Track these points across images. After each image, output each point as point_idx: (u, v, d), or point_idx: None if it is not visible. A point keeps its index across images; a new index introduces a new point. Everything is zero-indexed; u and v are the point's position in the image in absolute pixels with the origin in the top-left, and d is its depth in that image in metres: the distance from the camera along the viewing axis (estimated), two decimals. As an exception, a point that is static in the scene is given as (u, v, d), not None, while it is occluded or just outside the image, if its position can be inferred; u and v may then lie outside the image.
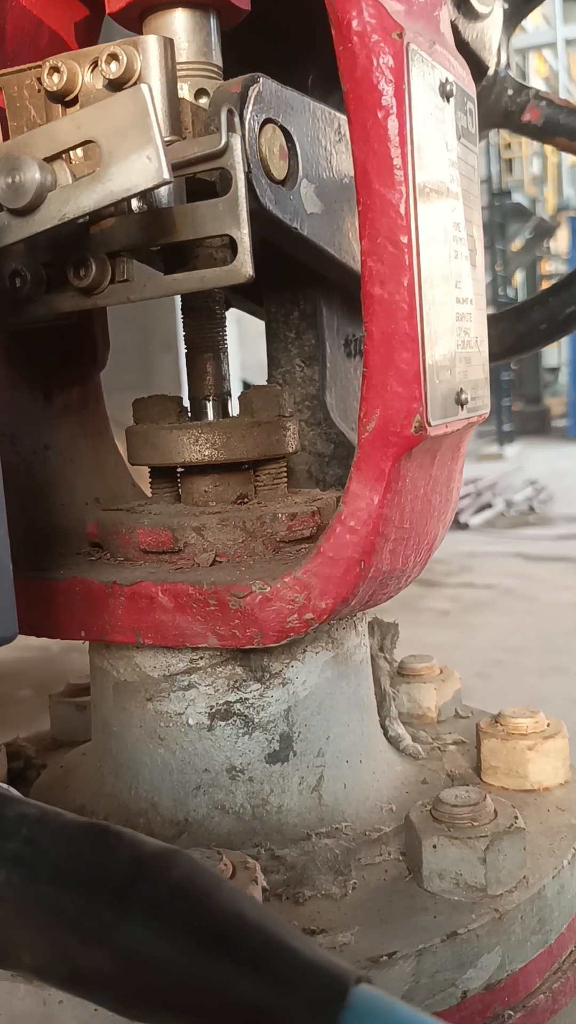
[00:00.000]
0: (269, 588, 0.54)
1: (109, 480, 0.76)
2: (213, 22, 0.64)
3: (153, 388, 0.78)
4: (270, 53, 0.74)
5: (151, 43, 0.55)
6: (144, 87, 0.46)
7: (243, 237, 0.53)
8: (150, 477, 0.68)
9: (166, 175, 0.46)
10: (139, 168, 0.46)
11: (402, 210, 0.52)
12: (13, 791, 0.41)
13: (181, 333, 0.69)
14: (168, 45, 0.56)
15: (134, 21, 0.64)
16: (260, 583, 0.54)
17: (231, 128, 0.54)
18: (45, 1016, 0.49)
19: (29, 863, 0.36)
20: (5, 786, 0.42)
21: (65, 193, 0.48)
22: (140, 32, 0.64)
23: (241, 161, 0.52)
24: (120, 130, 0.47)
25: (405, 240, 0.52)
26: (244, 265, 0.54)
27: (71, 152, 0.52)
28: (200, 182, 0.58)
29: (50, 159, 0.49)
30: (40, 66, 0.61)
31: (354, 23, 0.52)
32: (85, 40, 0.72)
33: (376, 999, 0.31)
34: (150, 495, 0.77)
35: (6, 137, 0.63)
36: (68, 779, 0.69)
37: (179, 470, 0.67)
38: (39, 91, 0.61)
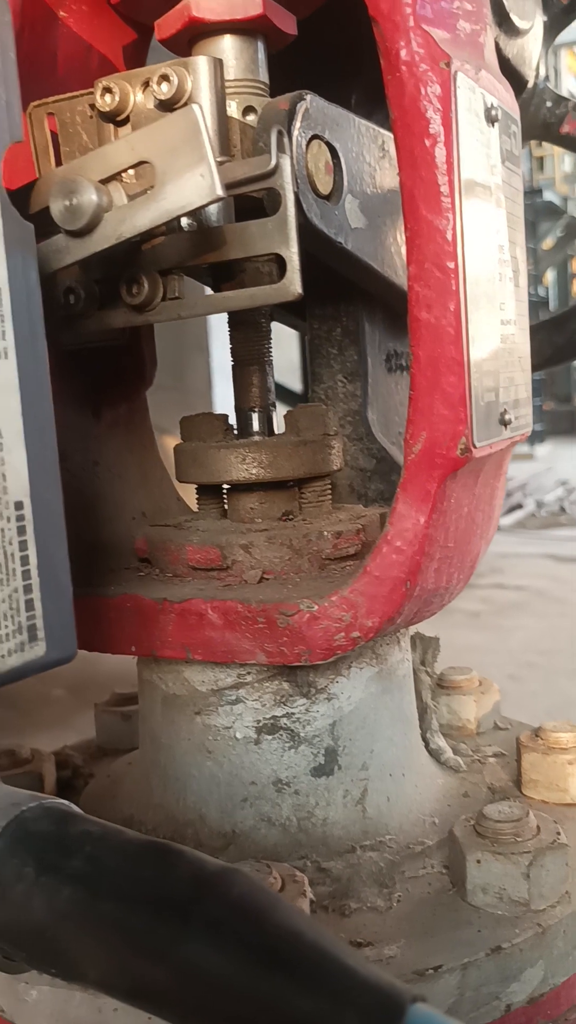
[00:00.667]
0: (316, 607, 0.55)
1: (155, 494, 0.78)
2: (261, 46, 0.65)
3: (186, 389, 0.79)
4: (315, 74, 0.76)
5: (201, 64, 0.57)
6: (195, 107, 0.47)
7: (292, 256, 0.54)
8: (197, 493, 0.70)
9: (219, 192, 0.47)
10: (193, 186, 0.48)
11: (449, 236, 0.53)
12: (75, 808, 0.43)
13: (212, 335, 0.70)
14: (217, 65, 0.58)
15: (183, 47, 0.65)
16: (308, 602, 0.55)
17: (281, 149, 0.55)
18: None
19: (92, 880, 0.38)
20: (67, 803, 0.43)
21: (121, 213, 0.49)
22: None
23: (290, 181, 0.53)
24: (173, 150, 0.48)
25: (452, 265, 0.53)
26: (293, 283, 0.55)
27: (124, 173, 0.54)
28: (248, 199, 0.59)
29: (105, 181, 0.50)
30: (92, 93, 0.63)
31: (403, 53, 0.53)
32: (133, 63, 0.74)
33: (431, 1018, 0.32)
34: (195, 509, 0.78)
35: (59, 162, 0.65)
36: (116, 789, 0.71)
37: (225, 487, 0.68)
38: (91, 117, 0.63)
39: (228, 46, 0.64)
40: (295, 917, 0.35)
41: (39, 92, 0.64)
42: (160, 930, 0.35)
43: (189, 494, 0.80)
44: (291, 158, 0.55)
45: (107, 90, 0.58)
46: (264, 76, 0.66)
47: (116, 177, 0.52)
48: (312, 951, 0.34)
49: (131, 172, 0.55)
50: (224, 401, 3.11)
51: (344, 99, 0.78)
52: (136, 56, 0.74)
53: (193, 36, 0.64)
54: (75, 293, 0.61)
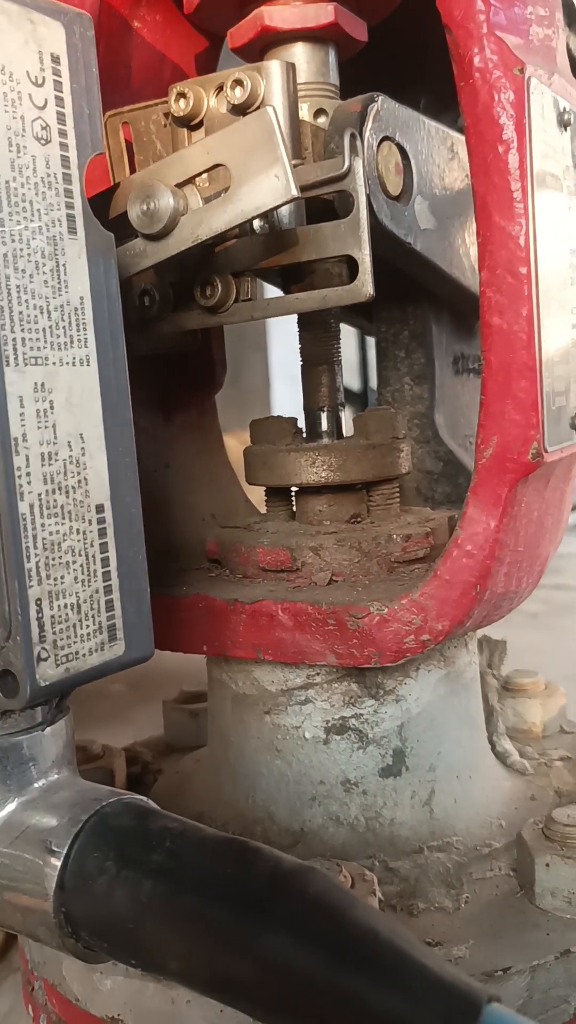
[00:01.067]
0: (387, 609, 0.56)
1: (223, 496, 0.79)
2: (332, 54, 0.65)
3: (243, 388, 0.80)
4: (383, 78, 0.76)
5: (274, 68, 0.57)
6: (269, 109, 0.48)
7: (364, 257, 0.55)
8: (265, 495, 0.71)
9: (294, 192, 0.48)
10: (268, 187, 0.48)
11: (521, 242, 0.53)
12: (152, 804, 0.44)
13: (271, 335, 0.71)
14: (290, 70, 0.58)
15: (255, 55, 0.66)
16: (378, 604, 0.56)
17: (353, 152, 0.55)
18: (173, 1015, 0.52)
19: (173, 874, 0.39)
20: (145, 799, 0.44)
21: (197, 216, 0.50)
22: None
23: (363, 184, 0.54)
24: (248, 152, 0.49)
25: (524, 271, 0.53)
26: (365, 285, 0.55)
27: (199, 177, 0.55)
28: (319, 201, 0.60)
29: (181, 185, 0.51)
30: (166, 102, 0.64)
31: (476, 60, 0.53)
32: (205, 71, 0.75)
33: (507, 1018, 0.33)
34: (262, 510, 0.79)
35: (133, 170, 0.66)
36: (185, 785, 0.72)
37: (294, 489, 0.69)
38: (165, 126, 0.64)
39: (300, 53, 0.64)
40: (372, 915, 0.36)
41: (114, 102, 0.65)
42: (240, 925, 0.36)
43: (256, 495, 0.81)
44: (363, 159, 0.56)
45: (181, 95, 0.59)
46: (335, 79, 0.66)
47: (191, 181, 0.53)
48: (389, 949, 0.35)
49: (205, 176, 0.57)
50: (282, 401, 3.12)
51: (413, 103, 0.78)
52: (208, 65, 0.75)
53: (266, 45, 0.65)
54: (150, 296, 0.62)
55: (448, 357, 0.80)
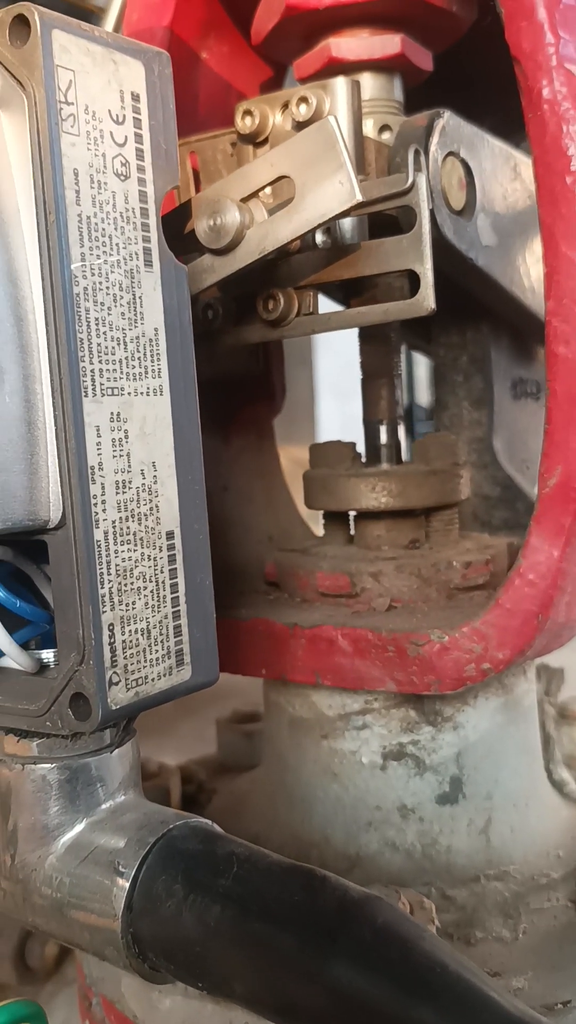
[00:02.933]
0: (447, 637, 0.56)
1: (281, 518, 0.79)
2: (397, 84, 0.66)
3: (289, 403, 0.81)
4: (448, 104, 0.77)
5: (339, 85, 0.58)
6: (331, 118, 0.48)
7: (426, 272, 0.55)
8: (324, 518, 0.71)
9: (359, 196, 0.48)
10: (332, 193, 0.49)
11: (588, 272, 0.53)
12: (217, 827, 0.45)
13: (316, 349, 0.71)
14: (355, 87, 0.59)
15: (321, 87, 0.67)
16: (439, 632, 0.56)
17: (417, 167, 0.56)
18: (231, 1037, 0.52)
19: (242, 900, 0.39)
20: (209, 822, 0.45)
21: (263, 228, 0.51)
22: (326, 97, 0.67)
23: (426, 199, 0.54)
24: (311, 161, 0.49)
25: (591, 301, 0.53)
26: (426, 299, 0.56)
27: (262, 192, 0.55)
28: (380, 215, 0.60)
29: (246, 199, 0.52)
30: (233, 132, 0.65)
31: (545, 92, 0.53)
32: (269, 100, 0.76)
33: (577, 1057, 0.33)
34: (318, 532, 0.80)
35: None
36: (240, 807, 0.73)
37: (352, 513, 0.70)
38: (232, 155, 0.65)
39: (366, 84, 0.65)
40: (440, 947, 0.36)
41: (181, 131, 0.65)
42: (309, 952, 0.37)
43: (312, 518, 0.81)
44: (427, 174, 0.56)
45: (247, 112, 0.60)
46: (400, 95, 0.67)
47: (255, 195, 0.53)
48: (459, 983, 0.35)
49: (268, 191, 0.57)
50: (328, 415, 3.11)
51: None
52: (272, 92, 0.76)
53: (332, 75, 0.65)
54: (213, 309, 0.63)
55: (507, 382, 0.80)
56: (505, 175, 0.69)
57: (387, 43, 0.63)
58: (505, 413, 0.80)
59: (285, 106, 0.60)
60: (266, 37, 0.66)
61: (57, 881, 0.43)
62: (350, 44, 0.63)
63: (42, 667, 0.45)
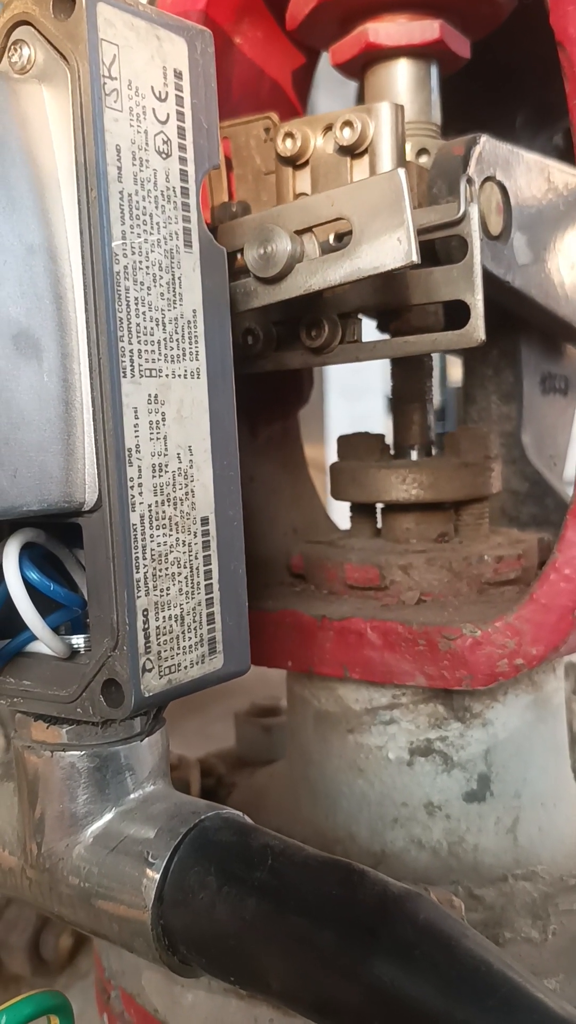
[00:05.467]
0: (480, 632, 0.55)
1: (305, 511, 0.79)
2: (434, 71, 0.65)
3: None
4: (482, 94, 0.76)
5: (384, 110, 0.57)
6: (400, 172, 0.47)
7: (476, 303, 0.54)
8: (351, 511, 0.70)
9: (415, 258, 0.47)
10: (389, 248, 0.48)
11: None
12: (249, 820, 0.44)
13: None
14: (399, 112, 0.58)
15: (357, 71, 0.66)
16: (471, 626, 0.55)
17: (469, 198, 0.54)
18: (255, 1033, 0.51)
19: (278, 893, 0.38)
20: (241, 814, 0.44)
21: (313, 265, 0.50)
22: (361, 81, 0.66)
23: (477, 229, 0.53)
24: (373, 210, 0.48)
25: None
26: (477, 330, 0.54)
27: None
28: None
29: (300, 231, 0.51)
30: (267, 117, 0.64)
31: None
32: (301, 86, 0.75)
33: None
34: (341, 527, 0.79)
35: (231, 184, 0.67)
36: (260, 801, 0.72)
37: (379, 506, 0.69)
38: (265, 141, 0.64)
39: (402, 71, 0.64)
40: (484, 945, 0.35)
41: (214, 117, 0.65)
42: (348, 948, 0.36)
43: (335, 511, 0.80)
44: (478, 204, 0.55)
45: (289, 135, 0.59)
46: (437, 116, 0.66)
47: (310, 229, 0.52)
48: (503, 981, 0.34)
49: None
50: (337, 414, 3.11)
51: (508, 121, 0.78)
52: (304, 80, 0.76)
53: (368, 61, 0.65)
54: (253, 334, 0.62)
55: (536, 376, 0.79)
56: (539, 187, 0.68)
57: (426, 29, 0.62)
58: (534, 408, 0.79)
59: (327, 129, 0.59)
60: (302, 22, 0.65)
61: (85, 871, 0.43)
62: (388, 29, 0.63)
63: (72, 653, 0.44)
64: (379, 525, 0.69)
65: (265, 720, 0.82)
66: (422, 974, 0.34)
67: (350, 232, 0.50)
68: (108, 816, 0.44)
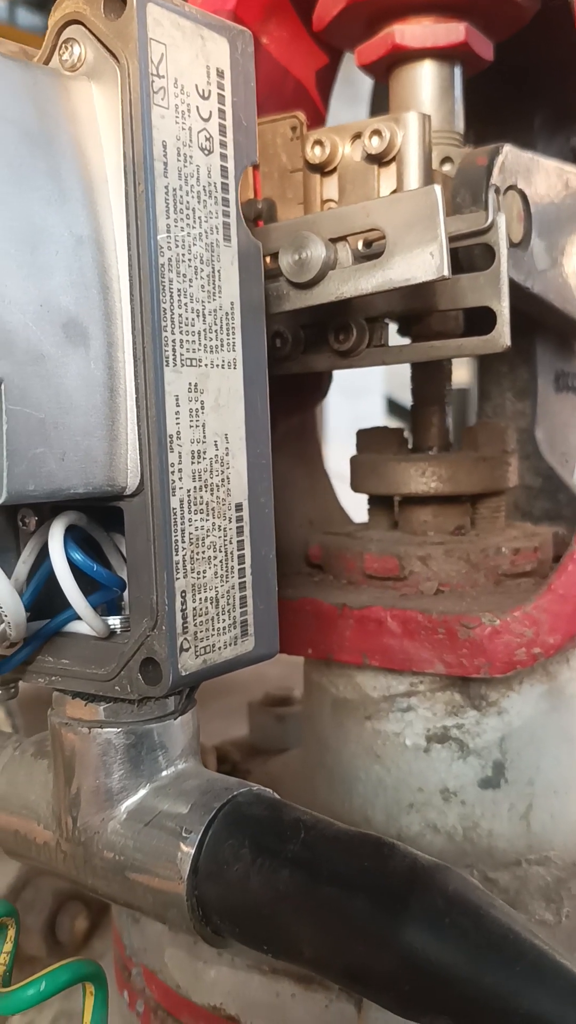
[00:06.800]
0: (499, 621, 0.56)
1: (320, 503, 0.80)
2: (458, 73, 0.66)
3: None
4: (502, 95, 0.77)
5: (411, 120, 0.58)
6: (436, 188, 0.48)
7: (503, 309, 0.55)
8: (368, 503, 0.72)
9: (446, 272, 0.48)
10: (421, 262, 0.49)
11: None
12: (279, 796, 0.45)
13: None
14: (426, 121, 0.59)
15: (382, 72, 0.67)
16: (490, 616, 0.57)
17: (496, 207, 0.56)
18: (277, 1007, 0.53)
19: (310, 864, 0.40)
20: (271, 791, 0.45)
21: (345, 274, 0.51)
22: (386, 82, 0.68)
23: (504, 238, 0.54)
24: (408, 224, 0.49)
25: None
26: (502, 336, 0.56)
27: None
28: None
29: (335, 240, 0.52)
30: (294, 116, 0.65)
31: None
32: (324, 87, 0.77)
33: None
34: (356, 520, 0.80)
35: (256, 182, 0.68)
36: (276, 787, 0.72)
37: (397, 498, 0.70)
38: (292, 140, 0.66)
39: (427, 73, 0.66)
40: (511, 915, 0.36)
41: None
42: (380, 916, 0.37)
43: (348, 504, 0.82)
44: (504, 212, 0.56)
45: (318, 143, 0.61)
46: (460, 125, 0.67)
47: (344, 238, 0.53)
48: (529, 948, 0.35)
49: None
50: (337, 414, 3.12)
51: (527, 122, 0.79)
52: (326, 80, 0.77)
53: (394, 62, 0.66)
54: (282, 337, 0.64)
55: (550, 374, 0.80)
56: (557, 192, 0.69)
57: (451, 31, 0.64)
58: (547, 405, 0.80)
59: (355, 137, 0.60)
60: (330, 23, 0.66)
61: (120, 844, 0.44)
62: (414, 31, 0.64)
63: (109, 633, 0.45)
64: (394, 518, 0.71)
65: (278, 709, 0.84)
66: (452, 941, 0.35)
67: (381, 239, 0.51)
68: (142, 792, 0.45)
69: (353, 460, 0.70)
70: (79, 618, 0.44)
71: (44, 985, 0.41)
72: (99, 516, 0.46)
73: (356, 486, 0.70)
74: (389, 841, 0.40)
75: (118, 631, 0.45)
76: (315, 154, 0.60)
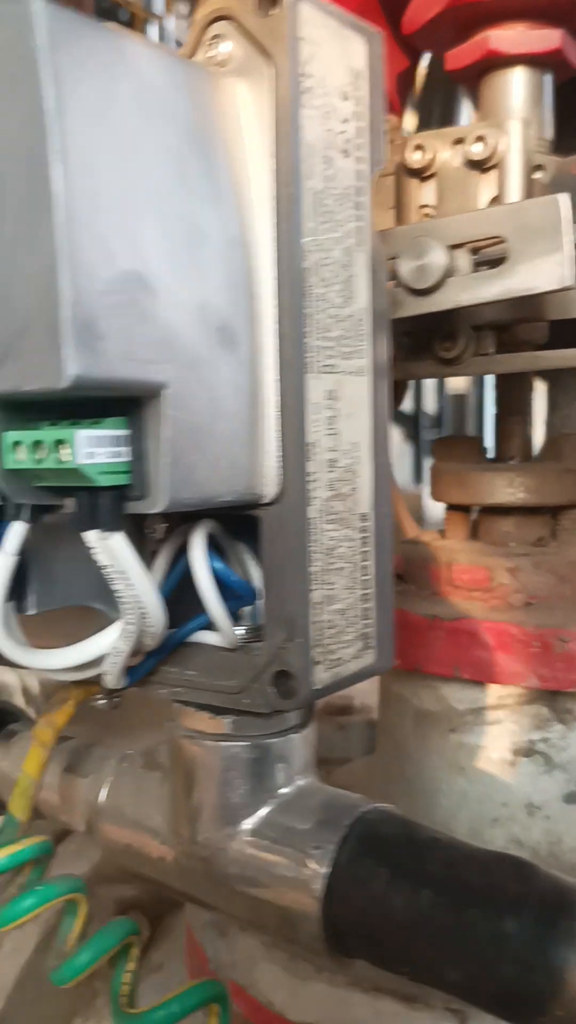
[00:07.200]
0: (598, 635, 0.56)
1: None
2: (548, 81, 0.66)
3: None
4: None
5: (514, 127, 0.58)
6: (563, 197, 0.48)
7: None
8: (447, 511, 0.71)
9: (569, 282, 0.47)
10: (545, 271, 0.48)
11: None
12: (401, 813, 0.44)
13: None
14: (528, 129, 0.59)
15: (473, 77, 0.66)
16: (589, 629, 0.56)
17: None
18: (376, 1026, 0.52)
19: (453, 885, 0.39)
20: (394, 807, 0.44)
21: (465, 281, 0.50)
22: (476, 87, 0.67)
23: None
24: (532, 233, 0.48)
25: None
26: None
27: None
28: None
29: (455, 246, 0.51)
30: (387, 119, 0.65)
31: None
32: (403, 90, 0.76)
33: None
34: (410, 529, 0.80)
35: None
36: (346, 797, 0.72)
37: (476, 508, 0.69)
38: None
39: (519, 80, 0.65)
40: None
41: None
42: (530, 939, 0.36)
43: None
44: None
45: (418, 147, 0.60)
46: (550, 132, 0.66)
47: (463, 245, 0.53)
48: None
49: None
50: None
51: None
52: (405, 83, 0.76)
53: (485, 68, 0.65)
54: None
55: (619, 386, 0.80)
56: None
57: (546, 38, 0.63)
58: (617, 416, 0.79)
59: (456, 142, 0.60)
60: (422, 26, 0.65)
61: (245, 861, 0.43)
62: (509, 37, 0.63)
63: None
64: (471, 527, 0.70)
65: (340, 718, 0.83)
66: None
67: (489, 247, 0.50)
68: (266, 807, 0.44)
69: (434, 469, 0.69)
70: (206, 628, 0.43)
71: (176, 1006, 0.40)
72: (226, 524, 0.45)
73: (437, 495, 0.69)
74: (528, 862, 0.39)
75: (242, 642, 0.44)
76: (415, 158, 0.60)
